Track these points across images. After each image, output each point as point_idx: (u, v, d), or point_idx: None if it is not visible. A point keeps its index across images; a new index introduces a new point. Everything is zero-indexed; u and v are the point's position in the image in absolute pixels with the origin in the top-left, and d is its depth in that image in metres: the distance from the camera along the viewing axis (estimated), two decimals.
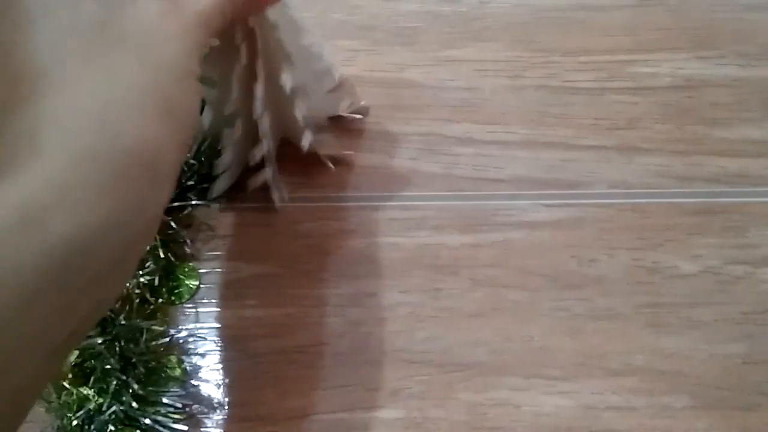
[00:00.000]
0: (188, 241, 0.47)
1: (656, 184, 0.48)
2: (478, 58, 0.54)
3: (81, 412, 0.38)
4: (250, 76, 0.42)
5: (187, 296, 0.45)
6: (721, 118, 0.50)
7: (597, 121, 0.50)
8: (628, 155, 0.49)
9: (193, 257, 0.47)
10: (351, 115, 0.51)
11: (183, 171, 0.47)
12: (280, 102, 0.44)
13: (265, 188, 0.48)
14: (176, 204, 0.46)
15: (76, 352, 0.39)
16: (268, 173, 0.47)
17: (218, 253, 0.47)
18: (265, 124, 0.44)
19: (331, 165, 0.49)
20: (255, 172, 0.47)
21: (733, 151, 0.49)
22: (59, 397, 0.38)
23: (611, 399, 0.42)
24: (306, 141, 0.46)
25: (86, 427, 0.37)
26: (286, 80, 0.42)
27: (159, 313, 0.43)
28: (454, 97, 0.52)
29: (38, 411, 0.39)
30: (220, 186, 0.47)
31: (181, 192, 0.47)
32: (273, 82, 0.43)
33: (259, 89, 0.42)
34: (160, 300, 0.44)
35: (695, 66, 0.52)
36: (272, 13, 0.39)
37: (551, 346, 0.43)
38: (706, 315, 0.43)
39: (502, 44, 0.55)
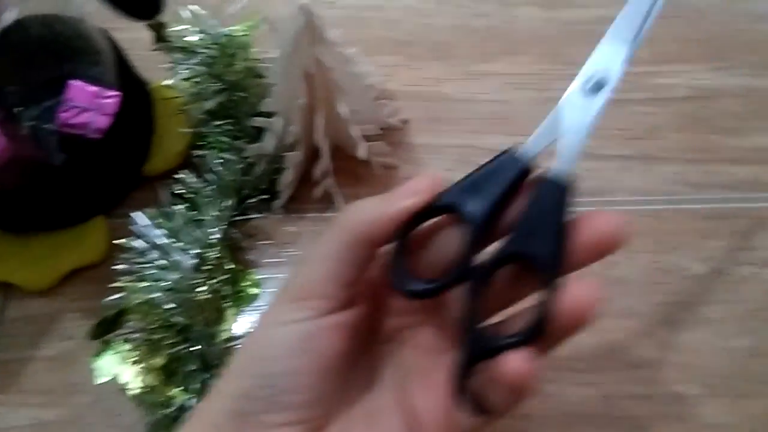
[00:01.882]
0: (250, 250, 0.52)
1: (672, 191, 0.52)
2: (508, 71, 0.59)
3: (171, 409, 0.44)
4: (310, 110, 0.47)
5: (249, 301, 0.50)
6: (733, 127, 0.54)
7: (619, 132, 0.55)
8: (647, 164, 0.54)
9: (254, 265, 0.52)
10: (392, 122, 0.56)
11: (243, 187, 0.52)
12: (337, 124, 0.50)
13: (318, 201, 0.53)
14: (240, 217, 0.52)
15: (163, 357, 0.45)
16: (330, 182, 0.52)
17: (277, 260, 0.53)
18: (325, 147, 0.50)
19: (381, 170, 0.55)
20: (312, 185, 0.53)
21: (743, 158, 0.53)
22: (151, 396, 0.44)
23: (631, 388, 0.47)
24: (363, 152, 0.51)
25: (174, 422, 0.44)
26: (343, 109, 0.48)
27: (226, 318, 0.49)
28: (486, 110, 0.57)
29: (128, 407, 0.46)
30: (280, 200, 0.53)
31: (244, 206, 0.52)
32: (331, 111, 0.48)
33: (320, 121, 0.47)
34: (228, 305, 0.50)
35: (709, 76, 0.56)
36: (327, 59, 0.44)
37: (578, 342, 0.48)
38: (715, 312, 0.48)
39: (530, 57, 0.59)
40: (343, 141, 0.52)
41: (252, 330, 0.34)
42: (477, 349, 0.31)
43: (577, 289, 0.29)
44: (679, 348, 0.48)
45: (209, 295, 0.48)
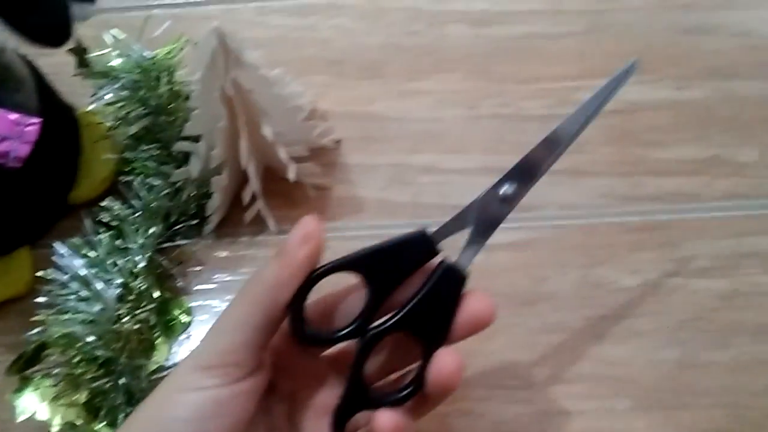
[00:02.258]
0: (180, 277, 0.52)
1: (601, 204, 0.53)
2: (439, 89, 0.59)
3: None
4: (233, 133, 0.47)
5: (180, 330, 0.50)
6: (659, 140, 0.55)
7: None
8: (575, 178, 0.54)
9: (184, 292, 0.52)
10: (323, 142, 0.56)
11: (171, 213, 0.51)
12: (263, 147, 0.49)
13: (250, 224, 0.53)
14: (168, 244, 0.51)
15: (86, 392, 0.44)
16: (261, 205, 0.52)
17: (208, 286, 0.52)
18: (252, 170, 0.49)
19: (313, 191, 0.54)
20: (244, 209, 0.52)
21: (669, 170, 0.54)
22: None
23: (564, 404, 0.47)
24: (292, 174, 0.50)
25: None
26: (267, 131, 0.47)
27: (156, 348, 0.48)
28: (418, 128, 0.57)
29: None
30: (211, 224, 0.52)
31: (173, 232, 0.52)
32: (255, 133, 0.48)
33: (243, 143, 0.47)
34: (156, 335, 0.49)
35: (635, 90, 0.57)
36: (246, 81, 0.44)
37: (510, 359, 0.49)
38: (644, 324, 0.49)
39: (460, 75, 0.59)
40: (274, 163, 0.52)
41: (155, 394, 0.33)
42: (355, 400, 0.35)
43: (443, 360, 0.34)
44: (610, 362, 0.48)
45: (136, 326, 0.47)
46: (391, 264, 0.35)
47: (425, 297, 0.35)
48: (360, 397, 0.34)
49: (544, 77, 0.59)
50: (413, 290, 0.35)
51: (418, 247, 0.35)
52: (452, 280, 0.35)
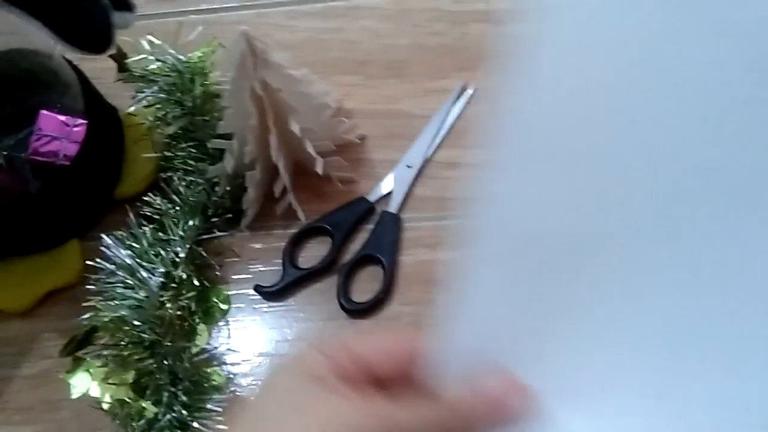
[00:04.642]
0: (218, 267, 0.55)
1: None
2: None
3: (142, 422, 0.46)
4: (263, 129, 0.50)
5: (219, 316, 0.53)
6: None
7: None
8: None
9: (222, 281, 0.55)
10: (349, 138, 0.58)
11: (209, 207, 0.55)
12: (292, 142, 0.52)
13: (282, 217, 0.56)
14: (207, 236, 0.54)
15: (133, 372, 0.47)
16: (291, 198, 0.55)
17: (245, 276, 0.55)
18: (281, 164, 0.52)
19: (340, 184, 0.57)
20: (276, 201, 0.55)
21: None
22: (122, 410, 0.47)
23: None
24: (320, 167, 0.53)
25: None
26: (295, 127, 0.50)
27: (197, 332, 0.51)
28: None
29: (107, 421, 0.48)
30: (247, 218, 0.55)
31: (210, 225, 0.55)
32: (283, 129, 0.51)
33: (273, 139, 0.50)
34: (197, 320, 0.52)
35: None
36: (274, 81, 0.47)
37: None
38: None
39: (483, 72, 0.62)
40: (303, 158, 0.55)
41: None
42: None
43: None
44: None
45: (178, 312, 0.50)
46: (347, 220, 0.55)
47: (377, 235, 0.54)
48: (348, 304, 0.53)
49: None
50: (367, 235, 0.55)
51: (362, 207, 0.56)
52: (393, 221, 0.55)
